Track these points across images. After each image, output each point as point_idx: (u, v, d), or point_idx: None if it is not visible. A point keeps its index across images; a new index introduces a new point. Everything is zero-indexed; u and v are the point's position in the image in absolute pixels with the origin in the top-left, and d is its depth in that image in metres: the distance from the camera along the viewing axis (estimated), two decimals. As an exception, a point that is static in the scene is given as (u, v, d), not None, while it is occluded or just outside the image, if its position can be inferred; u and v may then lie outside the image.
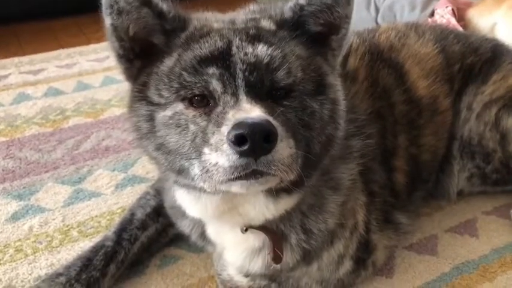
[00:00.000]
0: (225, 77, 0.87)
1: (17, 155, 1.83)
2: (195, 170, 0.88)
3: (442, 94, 1.40)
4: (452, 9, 2.73)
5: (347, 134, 1.10)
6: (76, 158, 1.80)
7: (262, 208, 1.00)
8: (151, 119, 0.94)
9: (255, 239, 1.09)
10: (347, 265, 1.19)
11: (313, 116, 0.93)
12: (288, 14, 0.98)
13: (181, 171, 0.93)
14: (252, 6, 1.08)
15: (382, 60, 1.33)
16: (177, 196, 1.08)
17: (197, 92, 0.89)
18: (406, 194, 1.35)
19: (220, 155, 0.82)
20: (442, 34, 1.53)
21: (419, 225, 1.45)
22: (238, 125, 0.79)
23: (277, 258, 1.09)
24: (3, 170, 1.74)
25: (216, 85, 0.88)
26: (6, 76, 2.45)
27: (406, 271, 1.32)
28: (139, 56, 0.99)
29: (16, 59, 2.63)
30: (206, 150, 0.84)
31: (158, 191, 1.37)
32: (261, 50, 0.90)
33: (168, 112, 0.92)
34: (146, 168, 1.72)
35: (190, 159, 0.89)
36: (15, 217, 1.52)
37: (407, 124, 1.32)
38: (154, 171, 1.69)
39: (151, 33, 0.97)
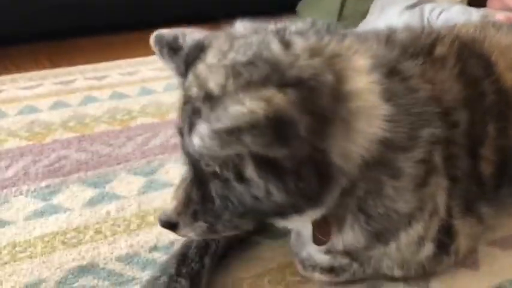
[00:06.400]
0: None
1: (89, 148, 1.88)
2: None
3: (527, 88, 1.38)
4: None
5: (416, 125, 1.05)
6: (146, 152, 1.84)
7: None
8: None
9: None
10: (428, 248, 1.16)
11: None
12: None
13: None
14: None
15: (468, 50, 1.32)
16: None
17: None
18: (492, 188, 1.31)
19: None
20: None
21: (503, 223, 1.41)
22: None
23: (319, 241, 1.11)
24: (77, 161, 1.79)
25: None
26: (72, 81, 2.55)
27: (491, 265, 1.28)
28: None
29: (81, 67, 2.74)
30: None
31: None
32: None
33: None
34: (216, 163, 1.75)
35: None
36: (91, 203, 1.55)
37: (496, 115, 1.29)
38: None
39: None
